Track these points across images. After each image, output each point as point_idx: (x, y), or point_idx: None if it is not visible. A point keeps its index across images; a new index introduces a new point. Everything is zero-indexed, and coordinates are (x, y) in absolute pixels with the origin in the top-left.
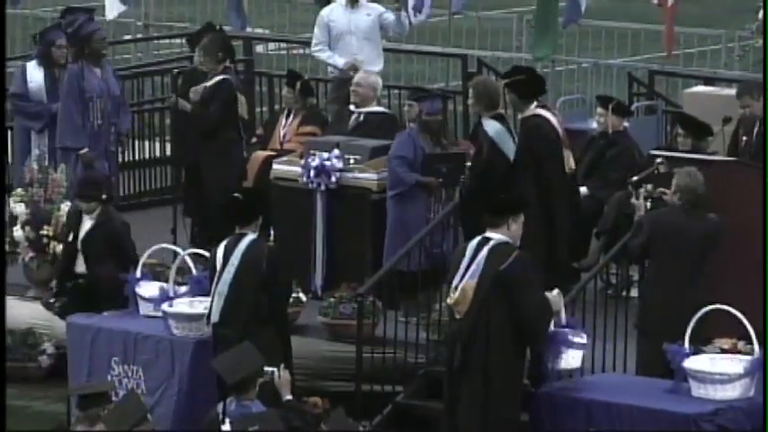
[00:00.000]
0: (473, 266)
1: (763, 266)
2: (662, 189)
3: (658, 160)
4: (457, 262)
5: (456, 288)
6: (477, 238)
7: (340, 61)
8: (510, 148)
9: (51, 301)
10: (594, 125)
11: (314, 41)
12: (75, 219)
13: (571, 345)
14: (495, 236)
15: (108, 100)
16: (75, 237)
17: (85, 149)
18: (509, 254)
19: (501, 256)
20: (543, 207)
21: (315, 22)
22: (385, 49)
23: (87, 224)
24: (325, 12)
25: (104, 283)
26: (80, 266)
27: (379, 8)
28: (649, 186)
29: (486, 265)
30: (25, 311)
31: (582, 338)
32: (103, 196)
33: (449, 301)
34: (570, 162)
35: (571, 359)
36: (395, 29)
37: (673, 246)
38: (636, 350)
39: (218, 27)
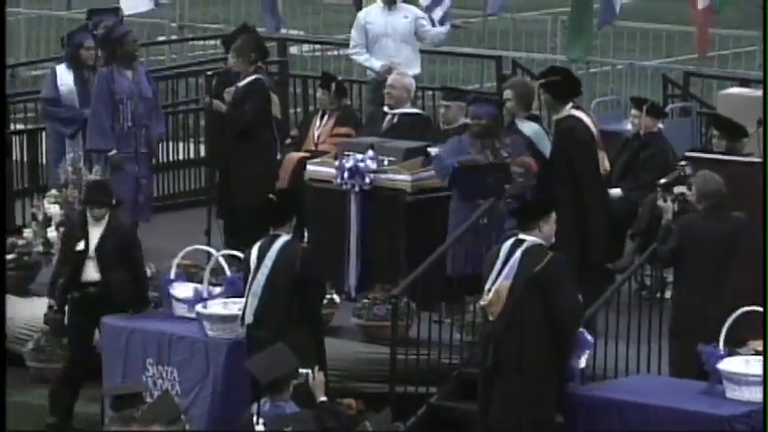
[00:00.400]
0: (507, 268)
1: (764, 267)
2: (682, 190)
3: (682, 163)
4: (490, 264)
5: (490, 290)
6: (510, 241)
7: (377, 64)
8: (546, 147)
9: (53, 313)
10: (629, 126)
11: (351, 43)
12: (83, 227)
13: (588, 345)
14: (529, 238)
15: (139, 102)
16: (87, 245)
17: (114, 151)
18: (543, 256)
19: (535, 257)
20: (577, 208)
21: (350, 24)
22: (420, 51)
23: (97, 230)
24: (362, 14)
25: (117, 289)
26: (88, 275)
27: (416, 11)
28: (676, 189)
29: (520, 267)
30: None
31: (591, 339)
32: (113, 201)
33: (482, 302)
34: (605, 163)
35: (583, 359)
36: (433, 39)
37: (700, 249)
38: (668, 352)
39: (252, 28)
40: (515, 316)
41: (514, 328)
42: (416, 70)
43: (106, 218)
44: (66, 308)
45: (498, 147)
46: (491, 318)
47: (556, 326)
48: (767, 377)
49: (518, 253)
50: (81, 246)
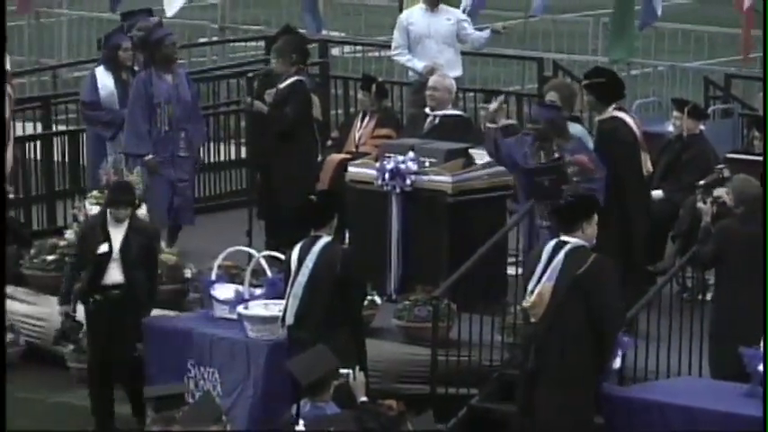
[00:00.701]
0: (549, 270)
1: (764, 267)
2: (720, 193)
3: (720, 165)
4: (532, 266)
5: (532, 291)
6: (553, 242)
7: (419, 65)
8: (590, 148)
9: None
10: (670, 128)
11: (393, 45)
12: (105, 228)
13: (625, 346)
14: (571, 239)
15: (177, 106)
16: (111, 247)
17: (150, 156)
18: (586, 257)
19: (578, 259)
20: (620, 209)
21: (391, 25)
22: (461, 52)
23: (117, 232)
24: (404, 15)
25: (141, 290)
26: (111, 277)
27: (459, 14)
28: (715, 192)
29: (563, 269)
30: None
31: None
32: (136, 201)
33: (524, 304)
34: (647, 165)
35: (618, 360)
36: (474, 42)
37: (739, 252)
38: (708, 354)
39: (294, 30)
40: (558, 318)
41: (557, 329)
42: (458, 72)
43: (128, 218)
44: (85, 312)
45: (554, 149)
46: (533, 319)
47: (598, 328)
48: (767, 377)
49: (561, 254)
50: (104, 248)
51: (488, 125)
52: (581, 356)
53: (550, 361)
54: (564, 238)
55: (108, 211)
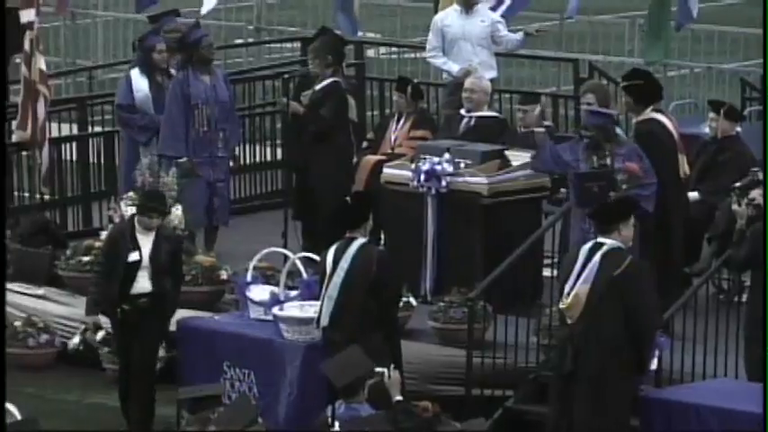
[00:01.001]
0: (586, 271)
1: (763, 268)
2: (754, 195)
3: (755, 168)
4: (568, 267)
5: (569, 293)
6: (589, 244)
7: (455, 67)
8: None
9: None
10: (706, 130)
11: (428, 47)
12: (134, 236)
13: (661, 347)
14: (608, 241)
15: (215, 107)
16: (141, 255)
17: (184, 159)
18: (623, 259)
19: (615, 261)
20: (658, 211)
21: (427, 27)
22: (496, 54)
23: (148, 239)
24: (439, 17)
25: (168, 298)
26: (141, 286)
27: (493, 16)
28: (751, 193)
29: (599, 271)
30: None
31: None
32: (167, 209)
33: (561, 305)
34: (685, 166)
35: (655, 361)
36: (507, 45)
37: None
38: (744, 356)
39: (330, 31)
40: (594, 319)
41: (593, 331)
42: (493, 74)
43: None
44: (112, 322)
45: (607, 155)
46: (569, 321)
47: (635, 329)
48: (767, 378)
49: (597, 256)
50: (135, 256)
51: (536, 130)
52: (618, 358)
53: (587, 363)
54: (600, 239)
55: (137, 218)
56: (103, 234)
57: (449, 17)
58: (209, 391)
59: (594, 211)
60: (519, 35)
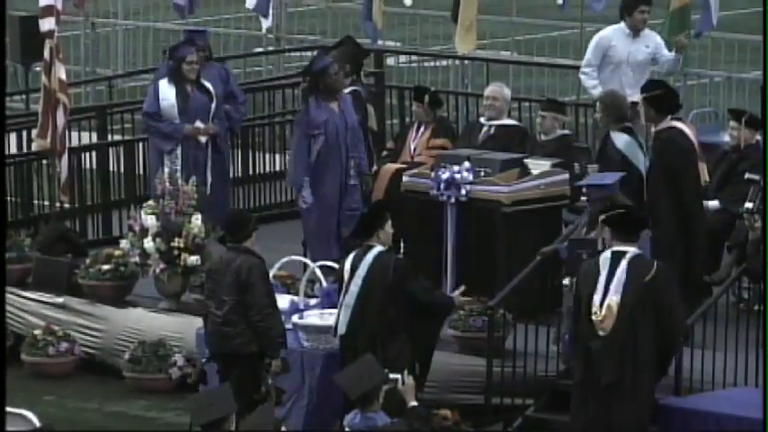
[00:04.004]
0: (614, 282)
1: (763, 269)
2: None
3: (753, 177)
4: (590, 278)
5: (601, 305)
6: (607, 254)
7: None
8: (640, 160)
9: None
10: (726, 138)
11: (584, 62)
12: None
13: None
14: (630, 249)
15: (345, 133)
16: None
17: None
18: (650, 264)
19: (642, 268)
20: (680, 220)
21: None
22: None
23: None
24: (606, 34)
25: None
26: None
27: (658, 39)
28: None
29: (629, 278)
30: (156, 323)
31: None
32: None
33: (594, 317)
34: (704, 174)
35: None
36: (668, 67)
37: None
38: (765, 364)
39: (351, 40)
40: (630, 329)
41: (630, 341)
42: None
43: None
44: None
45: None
46: (601, 333)
47: (667, 332)
48: None
49: (623, 265)
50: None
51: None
52: (647, 367)
53: (622, 373)
54: (619, 248)
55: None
56: (123, 242)
57: (615, 37)
58: (218, 414)
59: (615, 220)
60: (673, 53)
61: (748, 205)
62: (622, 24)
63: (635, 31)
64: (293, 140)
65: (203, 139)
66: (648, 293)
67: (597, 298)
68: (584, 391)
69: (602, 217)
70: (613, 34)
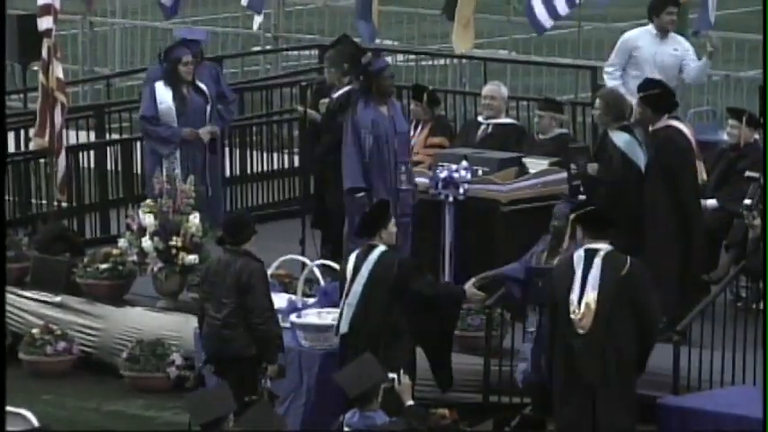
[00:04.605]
0: (590, 279)
1: (763, 269)
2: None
3: (753, 175)
4: (565, 278)
5: (579, 303)
6: (580, 252)
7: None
8: (640, 158)
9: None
10: (724, 137)
11: (609, 62)
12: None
13: None
14: (602, 246)
15: (395, 138)
16: None
17: (362, 194)
18: (624, 260)
19: (617, 263)
20: (678, 219)
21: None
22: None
23: None
24: (631, 36)
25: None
26: None
27: (686, 45)
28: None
29: (604, 274)
30: (154, 322)
31: None
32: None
33: (573, 316)
34: (702, 173)
35: None
36: (694, 76)
37: None
38: (764, 363)
39: (348, 39)
40: (608, 326)
41: (607, 339)
42: None
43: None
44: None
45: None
46: (580, 331)
47: (645, 326)
48: (767, 378)
49: (597, 262)
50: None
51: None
52: (628, 364)
53: (604, 371)
54: (592, 245)
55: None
56: (121, 241)
57: (642, 39)
58: (216, 414)
59: (584, 219)
60: (702, 62)
61: (747, 201)
62: (650, 26)
63: (663, 32)
64: (344, 143)
65: (206, 138)
66: (625, 288)
67: (574, 297)
68: (566, 393)
69: (572, 216)
70: (639, 35)
